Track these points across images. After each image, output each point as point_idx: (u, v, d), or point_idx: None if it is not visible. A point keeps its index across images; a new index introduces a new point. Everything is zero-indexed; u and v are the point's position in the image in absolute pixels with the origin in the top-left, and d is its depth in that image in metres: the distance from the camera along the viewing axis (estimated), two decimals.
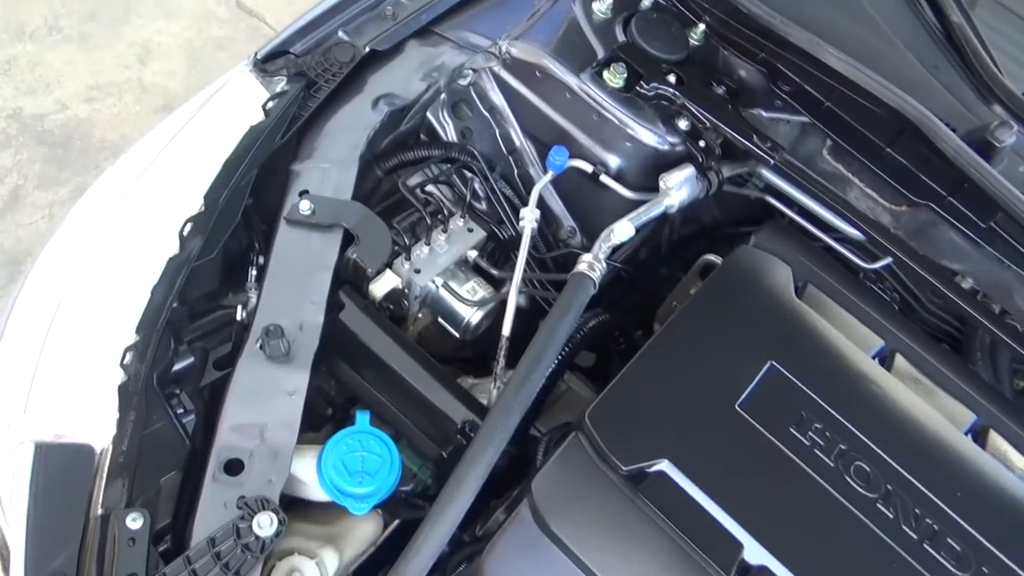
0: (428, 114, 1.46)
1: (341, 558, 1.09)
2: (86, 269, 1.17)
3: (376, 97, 1.33)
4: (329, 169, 1.22)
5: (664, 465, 0.97)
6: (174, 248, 1.12)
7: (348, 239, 1.18)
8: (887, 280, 1.45)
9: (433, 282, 1.27)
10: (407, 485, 1.15)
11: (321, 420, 1.25)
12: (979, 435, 1.13)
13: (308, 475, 1.06)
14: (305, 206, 1.16)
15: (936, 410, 1.12)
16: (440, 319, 1.31)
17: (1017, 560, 0.99)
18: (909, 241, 1.37)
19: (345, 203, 1.18)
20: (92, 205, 1.23)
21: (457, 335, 1.30)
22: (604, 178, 1.37)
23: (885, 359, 1.17)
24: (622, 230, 1.21)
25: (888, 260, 1.36)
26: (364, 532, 1.14)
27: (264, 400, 1.04)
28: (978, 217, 1.34)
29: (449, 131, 1.48)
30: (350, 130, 1.28)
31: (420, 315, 1.31)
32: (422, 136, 1.48)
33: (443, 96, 1.45)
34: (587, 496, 0.96)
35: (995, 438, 1.13)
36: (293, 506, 1.05)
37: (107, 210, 1.22)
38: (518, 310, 1.23)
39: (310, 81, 1.30)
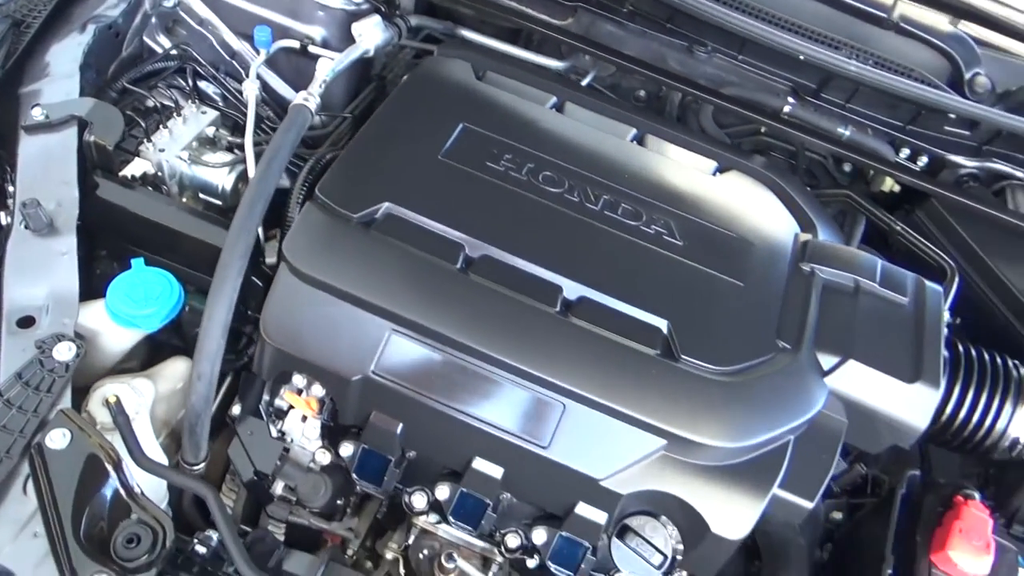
0: (145, 38, 1.62)
1: (157, 389, 1.24)
2: None
3: (83, 21, 1.48)
4: (53, 81, 1.37)
5: (387, 207, 1.20)
6: None
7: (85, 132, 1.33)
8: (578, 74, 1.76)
9: (180, 158, 1.43)
10: None
11: None
12: (639, 140, 1.45)
13: (100, 321, 1.21)
14: (38, 112, 1.30)
15: (604, 130, 1.43)
16: (201, 195, 1.48)
17: (666, 201, 1.32)
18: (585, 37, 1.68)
19: (74, 100, 1.33)
20: None
21: (220, 203, 1.48)
22: (313, 48, 1.59)
23: (560, 107, 1.47)
24: (324, 66, 1.43)
25: (569, 63, 1.69)
26: (174, 369, 1.30)
27: (40, 265, 1.18)
28: (617, 3, 1.68)
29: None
30: (66, 50, 1.43)
31: (184, 198, 1.48)
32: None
33: (154, 20, 1.62)
34: (330, 244, 1.17)
35: (650, 140, 1.45)
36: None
37: None
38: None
39: (18, 21, 1.44)
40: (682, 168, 1.41)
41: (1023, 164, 1.66)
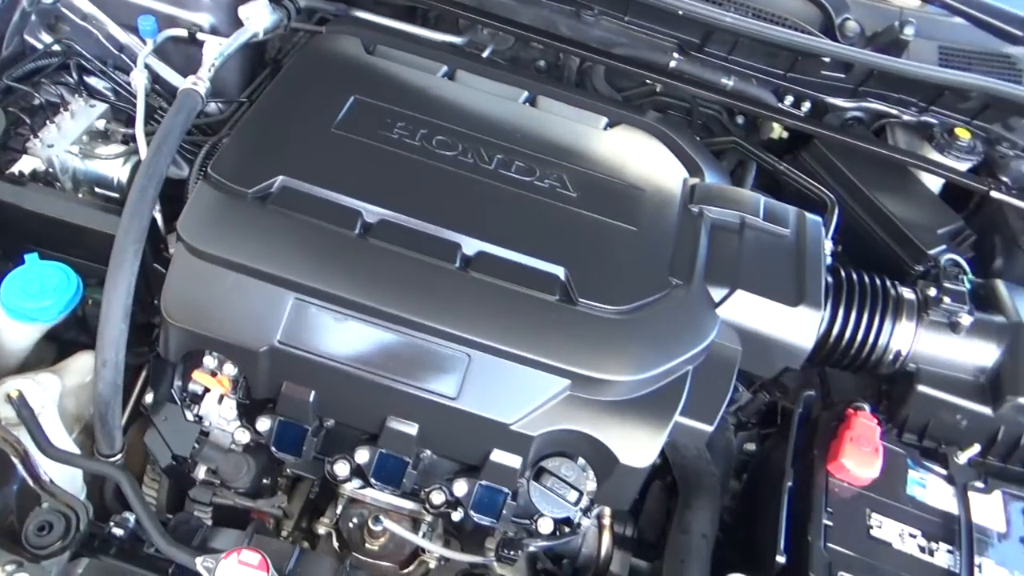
0: (26, 36, 1.59)
1: (64, 383, 1.23)
2: None
3: None
4: None
5: (281, 180, 1.21)
6: None
7: None
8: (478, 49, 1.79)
9: (71, 153, 1.41)
10: None
11: None
12: (531, 101, 1.49)
13: None
14: None
15: (495, 94, 1.47)
16: (97, 189, 1.46)
17: (559, 156, 1.37)
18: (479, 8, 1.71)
19: None
20: None
21: (117, 196, 1.46)
22: (201, 36, 1.58)
23: (452, 75, 1.50)
24: (211, 50, 1.43)
25: (467, 38, 1.73)
26: (81, 363, 1.29)
27: None
28: None
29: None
30: None
31: (80, 194, 1.45)
32: None
33: (34, 18, 1.59)
34: (225, 220, 1.18)
35: (542, 100, 1.49)
36: None
37: None
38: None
39: None
40: (573, 124, 1.45)
41: (898, 103, 1.76)
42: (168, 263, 1.29)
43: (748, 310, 1.24)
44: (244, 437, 1.27)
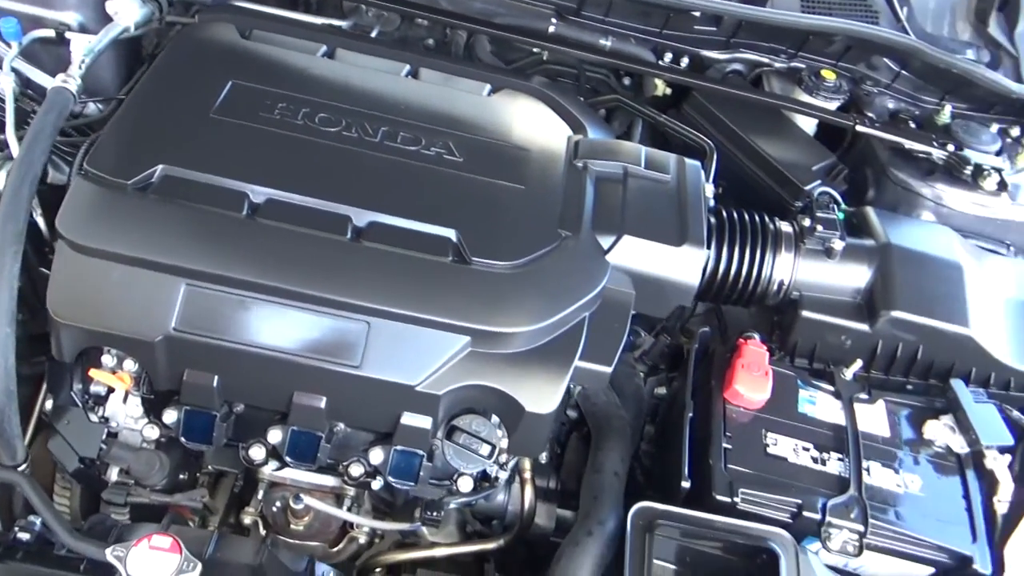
0: None
1: None
2: None
3: None
4: None
5: (162, 169, 1.20)
6: None
7: None
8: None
9: None
10: None
11: None
12: (413, 74, 1.51)
13: None
14: None
15: (377, 69, 1.48)
16: None
17: (444, 124, 1.39)
18: None
19: None
20: None
21: None
22: (70, 35, 1.54)
23: (332, 54, 1.50)
24: (79, 46, 1.39)
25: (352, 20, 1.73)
26: None
27: None
28: None
29: None
30: None
31: None
32: None
33: None
34: (105, 213, 1.16)
35: (424, 72, 1.51)
36: None
37: None
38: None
39: None
40: (456, 93, 1.48)
41: (769, 51, 1.85)
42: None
43: (636, 254, 1.29)
44: (153, 433, 1.26)
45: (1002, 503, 1.23)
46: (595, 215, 1.32)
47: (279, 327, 1.15)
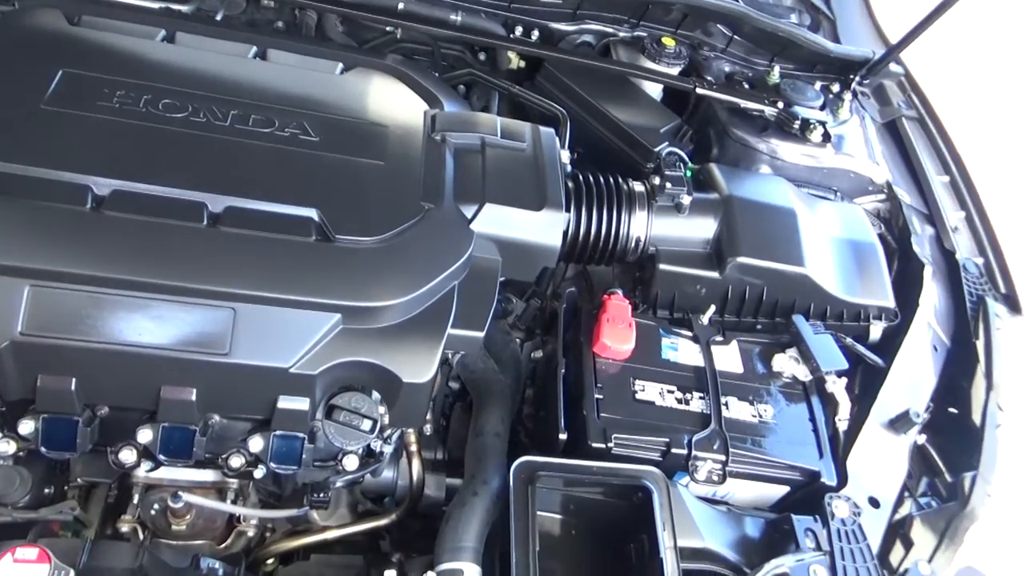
0: None
1: None
2: None
3: None
4: None
5: None
6: None
7: None
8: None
9: None
10: None
11: None
12: (261, 55, 1.47)
13: None
14: None
15: (222, 52, 1.44)
16: None
17: (296, 105, 1.37)
18: None
19: None
20: None
21: None
22: None
23: (171, 38, 1.45)
24: None
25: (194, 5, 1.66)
26: None
27: None
28: None
29: None
30: None
31: None
32: None
33: None
34: None
35: (273, 53, 1.48)
36: None
37: None
38: None
39: None
40: (308, 73, 1.46)
41: (613, 22, 1.93)
42: None
43: (498, 221, 1.33)
44: (10, 447, 1.18)
45: (842, 421, 1.37)
46: (456, 186, 1.34)
47: (138, 321, 1.10)
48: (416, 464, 1.42)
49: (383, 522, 1.43)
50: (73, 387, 1.11)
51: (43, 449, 1.16)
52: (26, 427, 1.14)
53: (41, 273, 1.07)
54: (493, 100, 1.79)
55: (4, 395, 1.13)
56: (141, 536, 1.36)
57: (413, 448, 1.42)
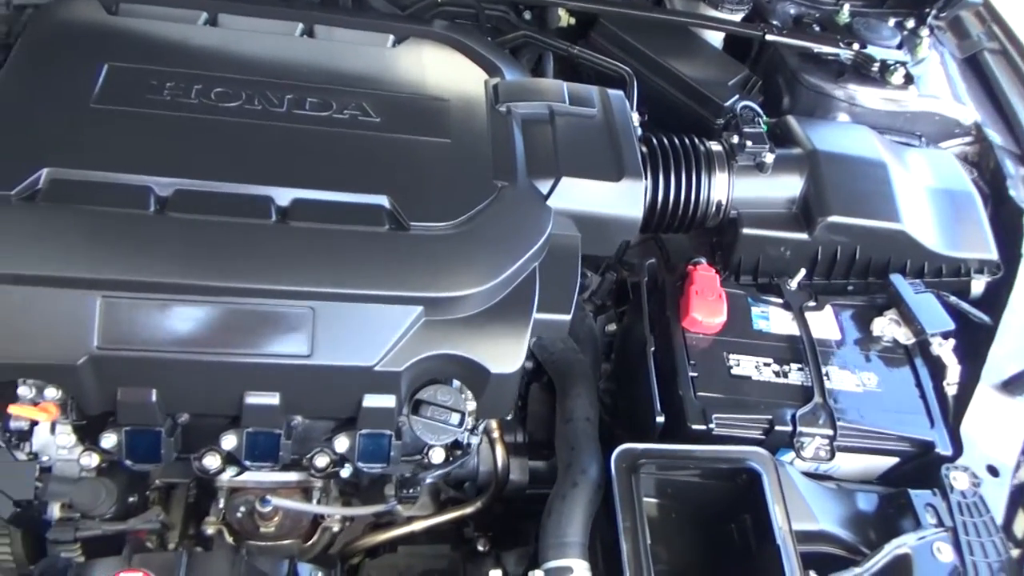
0: None
1: None
2: None
3: None
4: None
5: (48, 173, 1.07)
6: None
7: None
8: None
9: None
10: None
11: None
12: (308, 32, 1.39)
13: None
14: None
15: (268, 32, 1.36)
16: None
17: (352, 84, 1.29)
18: None
19: None
20: None
21: None
22: None
23: (214, 21, 1.37)
24: None
25: None
26: None
27: None
28: None
29: None
30: None
31: None
32: None
33: None
34: None
35: (320, 29, 1.40)
36: None
37: None
38: None
39: None
40: (359, 48, 1.38)
41: None
42: None
43: (576, 195, 1.25)
44: (92, 460, 1.15)
45: (951, 386, 1.29)
46: (528, 160, 1.26)
47: (216, 328, 1.05)
48: (500, 450, 1.37)
49: (469, 510, 1.39)
50: (154, 399, 1.07)
51: (128, 462, 1.13)
52: (108, 440, 1.11)
53: (112, 284, 1.02)
54: (547, 62, 1.70)
55: (85, 410, 1.09)
56: (228, 537, 1.34)
57: (495, 434, 1.37)
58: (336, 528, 1.38)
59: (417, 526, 1.38)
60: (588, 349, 1.46)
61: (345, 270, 1.09)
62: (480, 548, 1.40)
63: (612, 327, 1.56)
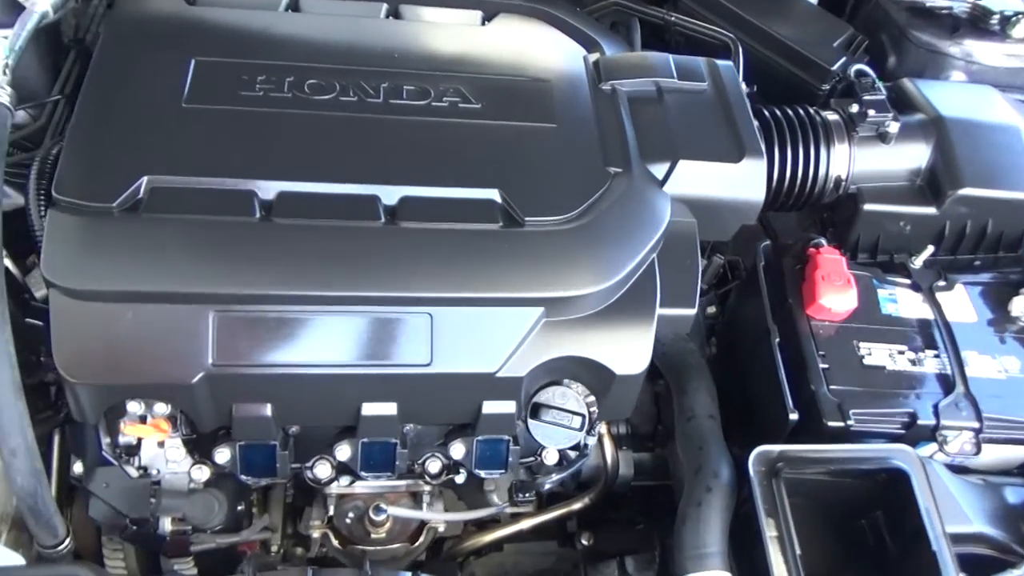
0: None
1: None
2: None
3: None
4: None
5: (147, 181, 1.01)
6: None
7: None
8: None
9: None
10: None
11: None
12: (394, 13, 1.31)
13: None
14: None
15: (353, 15, 1.28)
16: None
17: (448, 68, 1.21)
18: None
19: None
20: None
21: None
22: None
23: (295, 6, 1.29)
24: None
25: None
26: None
27: None
28: None
29: None
30: None
31: None
32: None
33: None
34: (95, 247, 0.97)
35: (406, 9, 1.31)
36: None
37: None
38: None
39: None
40: (449, 28, 1.30)
41: None
42: (38, 312, 1.09)
43: (695, 179, 1.17)
44: (204, 474, 1.12)
45: None
46: (640, 143, 1.18)
47: (331, 339, 1.00)
48: (609, 445, 1.32)
49: (576, 507, 1.35)
50: (270, 413, 1.03)
51: (243, 477, 1.09)
52: (223, 456, 1.07)
53: (224, 297, 0.97)
54: (635, 32, 1.59)
55: (198, 427, 1.06)
56: (334, 540, 1.31)
57: (603, 428, 1.31)
58: (441, 528, 1.35)
59: (525, 524, 1.34)
60: (694, 335, 1.39)
61: (462, 272, 1.02)
62: (584, 543, 1.36)
63: (712, 309, 1.48)
